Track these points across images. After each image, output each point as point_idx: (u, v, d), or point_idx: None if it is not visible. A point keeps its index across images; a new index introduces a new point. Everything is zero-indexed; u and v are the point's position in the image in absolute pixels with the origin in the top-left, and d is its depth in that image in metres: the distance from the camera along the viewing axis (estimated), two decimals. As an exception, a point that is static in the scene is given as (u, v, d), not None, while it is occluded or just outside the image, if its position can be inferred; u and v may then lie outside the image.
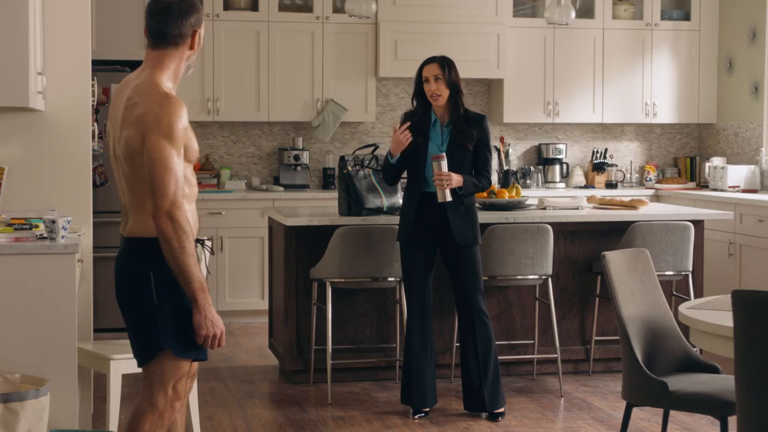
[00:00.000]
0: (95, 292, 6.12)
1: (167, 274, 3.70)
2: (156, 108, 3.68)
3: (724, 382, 4.41)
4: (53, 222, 4.76)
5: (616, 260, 4.66)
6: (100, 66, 8.01)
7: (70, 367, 4.77)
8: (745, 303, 3.53)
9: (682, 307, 4.35)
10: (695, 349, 4.90)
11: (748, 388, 3.57)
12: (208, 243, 4.16)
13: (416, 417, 6.05)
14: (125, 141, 3.70)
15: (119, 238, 3.89)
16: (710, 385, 4.38)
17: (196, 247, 3.85)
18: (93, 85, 5.91)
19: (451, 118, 5.98)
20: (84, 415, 5.35)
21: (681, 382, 4.42)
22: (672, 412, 5.30)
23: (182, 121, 3.73)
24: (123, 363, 4.98)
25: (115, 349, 5.08)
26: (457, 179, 5.85)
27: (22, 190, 5.59)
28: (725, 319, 3.99)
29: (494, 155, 9.48)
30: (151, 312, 3.75)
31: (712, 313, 4.19)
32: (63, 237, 4.79)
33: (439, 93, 5.93)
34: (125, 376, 5.10)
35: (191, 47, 3.88)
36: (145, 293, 3.75)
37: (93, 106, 5.94)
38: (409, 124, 5.96)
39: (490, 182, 6.04)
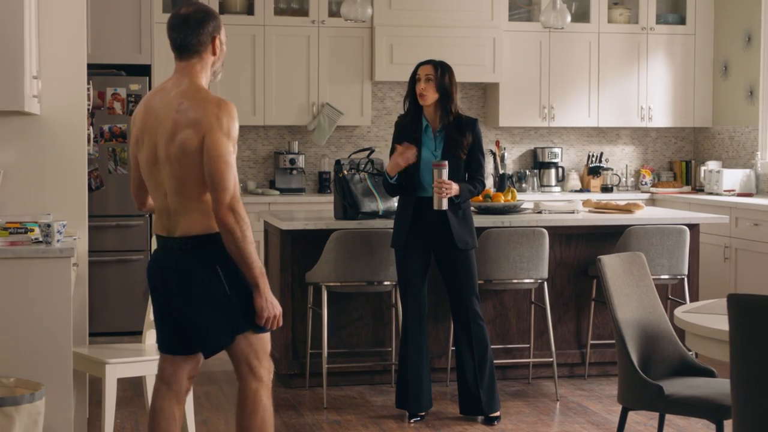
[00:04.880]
0: (90, 296, 6.12)
1: (231, 264, 4.01)
2: (215, 109, 3.98)
3: (719, 386, 4.41)
4: (48, 226, 4.75)
5: (611, 264, 4.66)
6: (95, 70, 8.01)
7: (66, 372, 4.77)
8: (741, 307, 3.53)
9: (678, 311, 4.35)
10: (691, 352, 4.90)
11: (744, 392, 3.57)
12: None
13: (412, 421, 6.05)
14: (180, 143, 3.98)
15: (159, 241, 4.14)
16: (706, 389, 4.38)
17: None
18: (88, 89, 5.91)
19: (442, 125, 5.97)
20: (79, 419, 5.34)
21: (677, 386, 4.42)
22: (667, 416, 5.30)
23: (237, 123, 4.04)
24: (118, 367, 4.97)
25: (111, 354, 5.07)
26: (456, 188, 5.85)
27: (17, 194, 5.59)
28: (720, 323, 3.99)
29: (489, 159, 9.51)
30: (226, 302, 4.05)
31: (708, 317, 4.19)
32: (58, 241, 4.78)
33: (426, 93, 5.91)
34: (120, 381, 5.09)
35: (213, 53, 4.17)
36: (217, 286, 4.04)
37: (88, 109, 5.94)
38: (413, 149, 5.93)
39: (484, 186, 6.04)
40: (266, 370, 4.19)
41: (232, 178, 3.95)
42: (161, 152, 4.04)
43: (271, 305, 4.07)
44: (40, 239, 4.82)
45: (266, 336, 4.17)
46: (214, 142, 3.94)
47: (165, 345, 4.24)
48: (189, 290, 4.06)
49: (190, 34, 4.11)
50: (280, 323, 4.14)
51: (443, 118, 5.97)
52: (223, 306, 4.05)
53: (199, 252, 4.06)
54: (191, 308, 4.07)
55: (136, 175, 4.29)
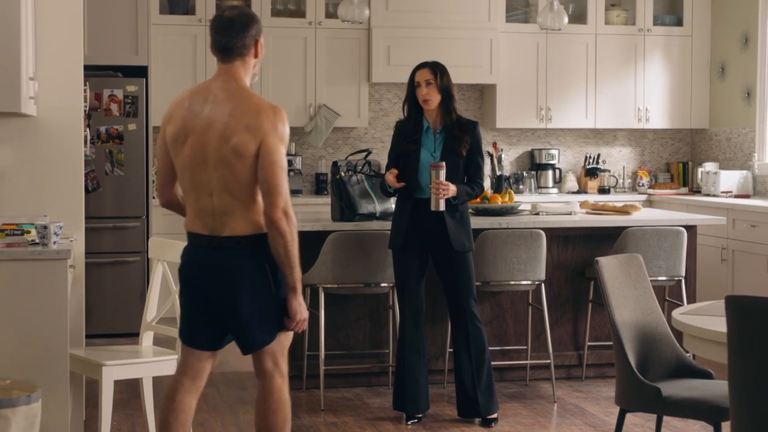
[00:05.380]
0: (87, 297, 6.10)
1: (275, 264, 4.18)
2: (271, 115, 4.12)
3: (717, 388, 4.40)
4: (45, 227, 4.74)
5: (609, 266, 4.65)
6: (92, 71, 7.99)
7: (62, 374, 4.76)
8: (739, 308, 3.52)
9: (676, 313, 4.34)
10: (688, 354, 4.89)
11: (742, 394, 3.56)
12: None
13: (409, 423, 6.04)
14: (235, 146, 4.10)
15: (206, 240, 4.24)
16: (704, 391, 4.37)
17: None
18: (85, 90, 5.89)
19: (444, 125, 5.97)
20: (76, 421, 5.33)
21: (674, 388, 4.42)
22: (665, 418, 5.29)
23: (288, 129, 4.20)
24: (115, 369, 4.96)
25: (108, 355, 5.06)
26: (453, 189, 5.84)
27: (13, 195, 5.57)
28: (718, 324, 3.98)
29: (486, 160, 9.50)
30: (272, 299, 4.21)
31: (706, 319, 4.18)
32: (55, 243, 4.77)
33: (430, 98, 5.92)
34: (117, 382, 5.08)
35: (255, 56, 4.28)
36: (264, 284, 4.19)
37: (85, 111, 5.93)
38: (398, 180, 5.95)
39: (482, 189, 6.03)
40: (287, 366, 4.36)
41: (286, 183, 4.12)
42: (211, 154, 4.14)
43: (303, 308, 4.26)
44: (37, 241, 4.81)
45: (291, 334, 4.35)
46: (270, 147, 4.09)
47: (195, 341, 4.35)
48: (238, 288, 4.18)
49: (234, 37, 4.22)
50: (305, 327, 4.33)
51: (445, 118, 5.97)
52: (269, 304, 4.21)
53: (249, 251, 4.18)
54: (238, 305, 4.19)
55: (166, 172, 4.35)
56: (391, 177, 5.94)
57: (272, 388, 4.32)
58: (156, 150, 4.36)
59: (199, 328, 4.32)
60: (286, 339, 4.34)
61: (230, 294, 4.19)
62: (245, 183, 4.14)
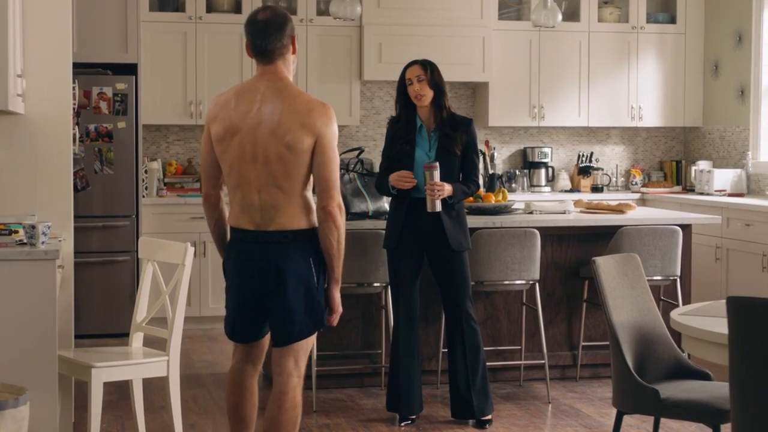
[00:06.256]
0: (76, 297, 6.03)
1: (319, 259, 4.36)
2: (324, 113, 4.30)
3: (716, 390, 4.35)
4: (33, 227, 4.68)
5: (606, 266, 4.59)
6: (81, 69, 7.90)
7: (51, 376, 4.68)
8: (741, 310, 3.47)
9: (674, 314, 4.28)
10: (683, 353, 4.83)
11: (743, 396, 3.51)
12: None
13: (402, 424, 5.98)
14: (289, 143, 4.25)
15: (253, 234, 4.36)
16: (702, 393, 4.32)
17: None
18: (74, 88, 5.82)
19: (437, 123, 5.92)
20: (64, 424, 5.26)
21: (672, 390, 4.36)
22: (662, 419, 5.23)
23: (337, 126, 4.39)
24: (105, 371, 4.89)
25: (97, 357, 5.00)
26: (448, 189, 5.79)
27: (1, 194, 5.50)
28: (718, 325, 3.93)
29: (480, 159, 9.44)
30: (316, 293, 4.37)
31: (705, 320, 4.13)
32: (43, 243, 4.70)
33: (422, 93, 5.87)
34: (106, 384, 5.02)
35: (293, 52, 4.44)
36: (309, 278, 4.34)
37: (74, 109, 5.85)
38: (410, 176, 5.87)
39: (478, 186, 5.98)
40: (305, 369, 4.50)
41: (339, 180, 4.35)
42: (260, 151, 4.28)
43: (335, 316, 4.50)
44: (25, 241, 4.74)
45: (314, 338, 4.54)
46: (326, 145, 4.28)
47: (237, 336, 4.53)
48: (284, 281, 4.31)
49: (273, 40, 4.35)
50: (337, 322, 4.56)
51: (437, 115, 5.91)
52: (311, 298, 4.36)
53: (296, 245, 4.33)
54: (284, 298, 4.32)
55: (209, 169, 4.49)
56: (396, 178, 5.85)
57: (288, 387, 4.41)
58: (202, 148, 4.57)
59: (243, 324, 4.49)
60: (312, 339, 4.49)
61: (276, 287, 4.32)
62: (296, 179, 4.29)
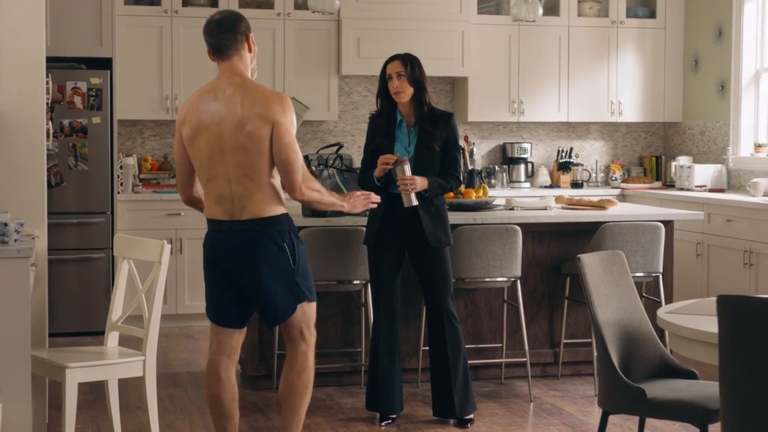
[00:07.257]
0: (50, 295, 5.92)
1: (295, 241, 4.67)
2: (278, 102, 4.63)
3: (703, 389, 4.28)
4: (5, 225, 4.57)
5: (591, 263, 4.52)
6: (54, 63, 7.76)
7: (24, 376, 4.57)
8: (731, 308, 3.40)
9: (661, 312, 4.21)
10: (666, 349, 4.77)
11: (733, 395, 3.44)
12: None
13: (383, 424, 5.90)
14: (249, 133, 4.53)
15: (225, 225, 4.65)
16: (689, 392, 4.24)
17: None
18: (47, 83, 5.71)
19: (416, 118, 5.83)
20: (38, 425, 5.17)
21: (659, 389, 4.29)
22: (646, 419, 5.17)
23: (294, 114, 4.69)
24: (79, 371, 4.79)
25: (71, 357, 4.89)
26: (421, 182, 5.71)
27: (-28, 191, 5.39)
28: (706, 324, 3.87)
29: (461, 154, 9.36)
30: (292, 275, 4.65)
31: (692, 318, 4.06)
32: (16, 240, 4.60)
33: (402, 90, 5.79)
34: (81, 384, 4.92)
35: (249, 50, 4.77)
36: (284, 261, 4.63)
37: (47, 104, 5.74)
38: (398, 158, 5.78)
39: (459, 181, 5.89)
40: (313, 336, 4.81)
41: (300, 161, 4.61)
42: (227, 143, 4.56)
43: (354, 201, 5.00)
44: (-3, 238, 4.63)
45: (315, 306, 4.81)
46: (282, 132, 4.56)
47: (223, 319, 4.76)
48: (260, 266, 4.59)
49: (227, 35, 4.68)
50: (371, 202, 5.10)
51: (417, 111, 5.83)
52: (288, 279, 4.63)
53: (269, 231, 4.60)
54: (262, 283, 4.60)
55: (185, 171, 4.76)
56: (380, 164, 5.76)
57: (297, 353, 4.77)
58: (175, 148, 4.81)
59: (226, 308, 4.74)
60: (310, 310, 4.77)
61: (254, 273, 4.60)
62: (261, 167, 4.56)
